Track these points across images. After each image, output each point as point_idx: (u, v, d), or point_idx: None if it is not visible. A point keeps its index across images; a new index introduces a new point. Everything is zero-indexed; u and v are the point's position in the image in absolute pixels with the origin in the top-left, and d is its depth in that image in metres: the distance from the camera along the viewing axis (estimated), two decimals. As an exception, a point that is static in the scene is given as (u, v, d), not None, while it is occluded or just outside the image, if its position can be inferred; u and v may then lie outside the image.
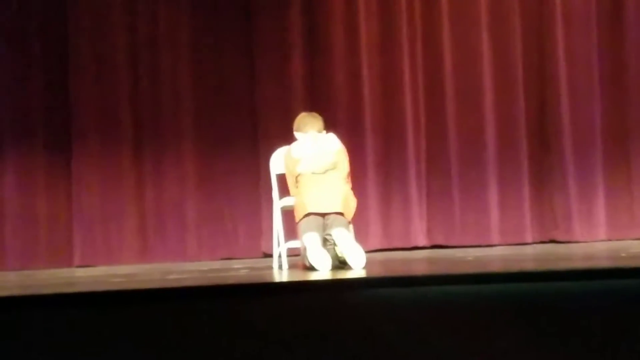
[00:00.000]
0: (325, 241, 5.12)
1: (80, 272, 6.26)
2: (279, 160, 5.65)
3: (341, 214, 5.16)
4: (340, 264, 5.05)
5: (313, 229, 5.11)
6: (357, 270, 4.88)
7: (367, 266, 4.95)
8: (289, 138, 5.54)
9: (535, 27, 7.07)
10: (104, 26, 6.86)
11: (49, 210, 6.78)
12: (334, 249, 5.09)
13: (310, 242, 5.06)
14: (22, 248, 6.71)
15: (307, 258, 5.05)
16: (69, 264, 6.72)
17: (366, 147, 6.93)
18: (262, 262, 6.26)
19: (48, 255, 6.73)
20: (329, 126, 5.59)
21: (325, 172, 5.32)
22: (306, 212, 5.17)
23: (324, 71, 6.97)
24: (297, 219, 5.26)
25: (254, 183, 6.80)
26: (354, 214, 5.33)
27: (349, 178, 5.46)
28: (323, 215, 5.16)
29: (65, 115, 6.82)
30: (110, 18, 6.88)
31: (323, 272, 4.89)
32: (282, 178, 5.60)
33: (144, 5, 6.92)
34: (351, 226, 5.32)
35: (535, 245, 6.90)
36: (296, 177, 5.39)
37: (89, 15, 6.84)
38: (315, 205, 5.17)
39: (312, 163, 5.34)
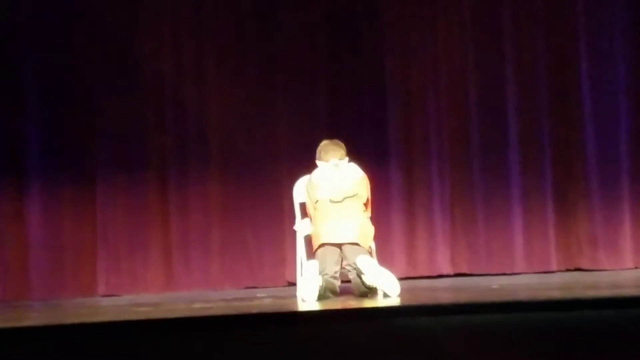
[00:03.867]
0: (345, 271, 5.12)
1: (106, 302, 6.28)
2: (301, 189, 5.65)
3: (356, 244, 5.15)
4: (366, 288, 5.02)
5: (325, 259, 5.11)
6: (393, 298, 4.85)
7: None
8: (312, 167, 5.55)
9: (559, 58, 7.05)
10: (130, 56, 6.92)
11: (74, 240, 6.80)
12: (357, 277, 5.07)
13: (307, 270, 5.06)
14: (48, 278, 6.72)
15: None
16: (93, 293, 6.73)
17: (390, 175, 6.93)
18: (286, 290, 6.25)
19: (73, 284, 6.74)
20: (353, 154, 5.59)
21: (343, 200, 5.29)
22: (320, 243, 5.17)
23: (347, 99, 6.99)
24: (313, 248, 5.27)
25: (278, 212, 6.80)
26: (377, 241, 5.32)
27: (370, 206, 5.44)
28: (339, 245, 5.16)
29: (90, 146, 6.87)
30: (136, 49, 6.94)
31: (309, 302, 4.90)
32: (305, 207, 5.60)
33: (169, 38, 6.97)
34: (374, 252, 5.31)
35: (560, 273, 6.84)
36: (314, 205, 5.37)
37: (115, 45, 6.90)
38: (330, 236, 5.16)
39: (331, 190, 5.31)
